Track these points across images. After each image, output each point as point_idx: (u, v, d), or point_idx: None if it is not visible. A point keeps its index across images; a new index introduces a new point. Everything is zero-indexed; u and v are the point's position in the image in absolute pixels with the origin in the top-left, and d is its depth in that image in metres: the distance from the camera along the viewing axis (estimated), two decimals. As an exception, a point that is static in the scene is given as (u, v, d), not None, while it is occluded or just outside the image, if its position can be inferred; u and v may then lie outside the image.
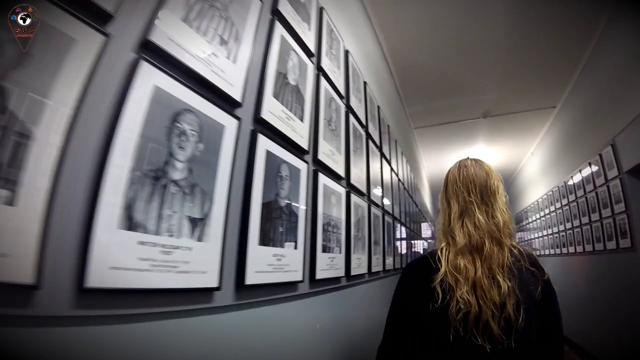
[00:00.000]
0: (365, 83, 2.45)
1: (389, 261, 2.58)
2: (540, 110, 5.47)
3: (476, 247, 1.05)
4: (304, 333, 1.25)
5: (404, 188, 3.89)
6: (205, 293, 0.80)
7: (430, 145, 6.84)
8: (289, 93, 1.27)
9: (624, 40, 3.35)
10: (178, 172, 0.75)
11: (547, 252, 6.91)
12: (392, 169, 3.08)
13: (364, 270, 1.88)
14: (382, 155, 2.69)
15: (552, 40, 3.86)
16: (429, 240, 6.88)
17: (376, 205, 2.29)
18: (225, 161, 0.90)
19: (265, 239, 0.99)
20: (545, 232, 6.97)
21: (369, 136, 2.28)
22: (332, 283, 1.49)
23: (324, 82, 1.61)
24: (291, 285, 1.15)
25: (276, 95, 1.18)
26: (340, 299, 1.61)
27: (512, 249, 1.07)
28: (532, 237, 8.23)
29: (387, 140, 3.05)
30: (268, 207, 1.03)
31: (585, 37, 3.84)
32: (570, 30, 3.73)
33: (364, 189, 1.98)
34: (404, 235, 3.63)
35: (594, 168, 4.21)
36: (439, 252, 1.08)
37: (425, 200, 7.49)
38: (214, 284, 0.80)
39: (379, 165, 2.53)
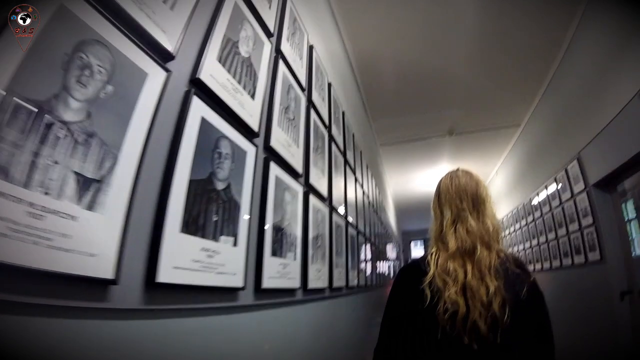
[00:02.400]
0: (330, 84, 2.29)
1: (353, 277, 2.36)
2: (504, 129, 5.53)
3: (467, 250, 1.10)
4: (247, 355, 1.00)
5: (369, 203, 3.73)
6: (91, 286, 0.57)
7: (395, 164, 6.78)
8: (238, 63, 1.10)
9: (587, 57, 3.41)
10: (71, 112, 0.55)
11: (512, 270, 6.90)
12: (356, 179, 2.91)
13: (324, 284, 1.66)
14: (346, 162, 2.51)
15: (516, 58, 3.91)
16: (394, 261, 6.78)
17: (339, 213, 2.09)
18: (142, 116, 0.70)
19: (192, 226, 0.76)
20: (510, 250, 6.98)
21: (332, 138, 2.11)
22: (284, 295, 1.26)
23: (282, 67, 1.44)
24: (229, 292, 0.91)
25: (221, 60, 1.00)
26: (295, 316, 1.38)
27: (500, 252, 1.11)
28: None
29: (352, 149, 2.89)
30: (198, 186, 0.80)
31: (550, 55, 3.91)
32: (535, 48, 3.79)
33: (325, 192, 1.79)
34: (369, 253, 3.46)
35: (560, 183, 4.22)
36: (429, 257, 1.13)
37: (391, 220, 7.38)
38: (107, 275, 0.57)
39: (343, 172, 2.35)
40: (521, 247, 6.19)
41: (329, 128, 2.07)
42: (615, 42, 2.91)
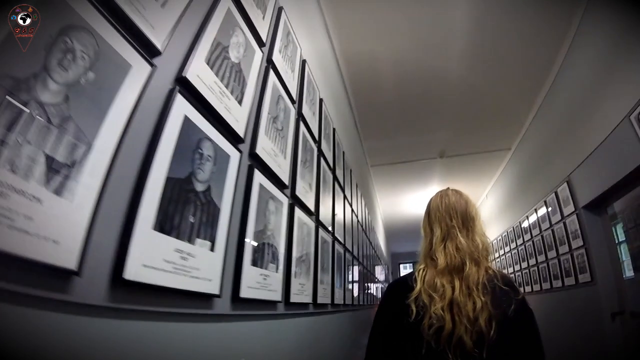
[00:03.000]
0: (321, 100, 2.29)
1: (339, 295, 2.31)
2: (495, 152, 5.58)
3: (456, 267, 1.11)
4: None
5: (358, 222, 3.70)
6: (52, 276, 0.52)
7: (386, 185, 6.79)
8: (227, 68, 1.09)
9: (577, 82, 3.48)
10: (49, 93, 0.53)
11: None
12: (345, 197, 2.88)
13: (307, 299, 1.61)
14: (336, 179, 2.49)
15: (507, 82, 3.98)
16: (383, 283, 6.71)
17: (326, 229, 2.06)
18: (122, 107, 0.67)
19: (166, 225, 0.72)
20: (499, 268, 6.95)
21: (321, 153, 2.09)
22: (264, 307, 1.20)
23: (273, 77, 1.43)
24: (203, 298, 0.86)
25: (209, 63, 0.99)
26: (276, 330, 1.32)
27: (489, 269, 1.12)
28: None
29: (342, 167, 2.87)
30: (176, 185, 0.77)
31: (540, 79, 3.99)
32: (525, 73, 3.87)
33: (312, 207, 1.76)
34: (357, 272, 3.41)
35: (550, 206, 4.24)
36: (416, 273, 1.15)
37: (380, 241, 7.33)
38: (70, 265, 0.53)
39: (331, 189, 2.32)
40: (511, 269, 6.20)
41: (318, 143, 2.06)
42: (604, 67, 2.98)
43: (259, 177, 1.16)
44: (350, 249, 2.99)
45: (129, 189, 0.68)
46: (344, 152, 3.03)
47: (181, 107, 0.83)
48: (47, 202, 0.52)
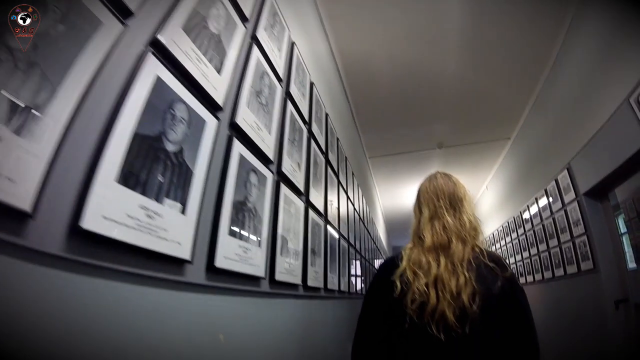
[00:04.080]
0: (312, 84, 2.27)
1: (333, 280, 2.27)
2: (494, 142, 5.54)
3: (442, 245, 1.15)
4: (196, 342, 0.90)
5: (355, 210, 3.67)
6: (6, 216, 0.50)
7: (385, 178, 6.76)
8: (205, 37, 1.07)
9: (574, 69, 3.44)
10: (17, 40, 0.54)
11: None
12: (339, 183, 2.86)
13: (296, 280, 1.57)
14: (328, 163, 2.46)
15: (504, 71, 3.95)
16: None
17: (317, 212, 2.03)
18: (90, 60, 0.66)
19: (130, 179, 0.70)
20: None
21: (312, 135, 2.07)
22: (246, 282, 1.16)
23: (257, 52, 1.41)
24: (173, 263, 0.82)
25: (187, 30, 0.97)
26: (261, 308, 1.27)
27: (475, 247, 1.16)
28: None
29: (336, 152, 2.84)
30: (144, 142, 0.75)
31: (538, 67, 3.95)
32: (522, 61, 3.83)
33: (301, 187, 1.73)
34: (354, 259, 3.38)
35: (551, 194, 4.21)
36: (403, 252, 1.21)
37: (381, 234, 7.30)
38: (24, 206, 0.51)
39: (324, 172, 2.30)
40: (513, 259, 6.15)
41: (308, 125, 2.04)
42: (602, 51, 2.95)
43: (239, 147, 1.13)
44: (347, 236, 2.97)
45: (93, 139, 0.66)
46: (338, 139, 3.00)
47: (153, 68, 0.81)
48: (7, 141, 0.50)
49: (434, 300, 1.05)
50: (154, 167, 0.77)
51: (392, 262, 1.21)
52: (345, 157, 3.37)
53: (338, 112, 3.37)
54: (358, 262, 3.65)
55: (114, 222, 0.66)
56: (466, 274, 1.08)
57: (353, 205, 3.56)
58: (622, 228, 3.31)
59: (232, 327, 1.07)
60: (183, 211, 0.84)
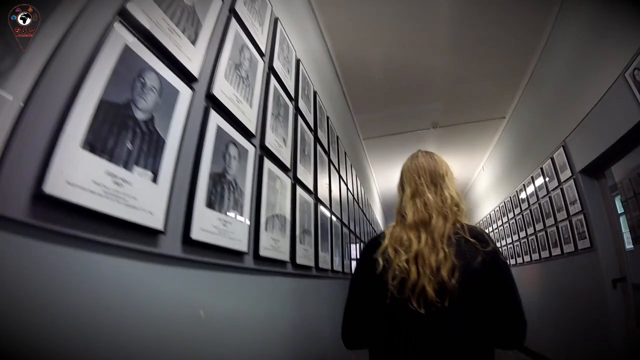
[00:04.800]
0: (299, 60, 2.24)
1: (325, 258, 2.27)
2: (489, 121, 5.52)
3: (423, 221, 1.18)
4: (172, 317, 0.87)
5: (348, 191, 3.66)
6: None
7: (380, 159, 6.74)
8: (178, 7, 1.04)
9: (568, 45, 3.41)
10: None
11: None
12: (331, 162, 2.84)
13: (283, 256, 1.55)
14: (318, 140, 2.44)
15: (497, 50, 3.92)
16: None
17: (307, 189, 2.02)
18: (55, 27, 0.66)
19: (97, 146, 0.68)
20: (499, 244, 6.97)
21: (299, 111, 2.04)
22: (227, 257, 1.13)
23: (235, 25, 1.38)
24: (143, 232, 0.80)
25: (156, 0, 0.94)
26: (243, 284, 1.24)
27: (456, 223, 1.18)
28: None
29: (326, 131, 2.82)
30: (111, 108, 0.73)
31: (532, 45, 3.91)
32: (515, 39, 3.79)
33: (287, 163, 1.71)
34: (349, 241, 3.38)
35: (547, 172, 4.20)
36: (386, 230, 1.25)
37: (378, 217, 7.32)
38: None
39: (313, 150, 2.28)
40: (509, 240, 6.16)
41: (295, 101, 2.01)
42: (596, 29, 2.92)
43: (216, 119, 1.12)
44: (339, 216, 2.96)
45: (58, 105, 0.64)
46: (328, 118, 2.97)
47: (121, 37, 0.79)
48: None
49: (415, 276, 1.08)
50: (122, 134, 0.76)
51: (375, 241, 1.25)
52: (337, 137, 3.34)
53: (328, 91, 3.34)
54: (354, 244, 3.65)
55: (79, 187, 0.64)
56: (446, 249, 1.10)
57: (346, 185, 3.54)
58: (620, 209, 3.31)
59: (214, 302, 1.04)
60: (154, 180, 0.83)
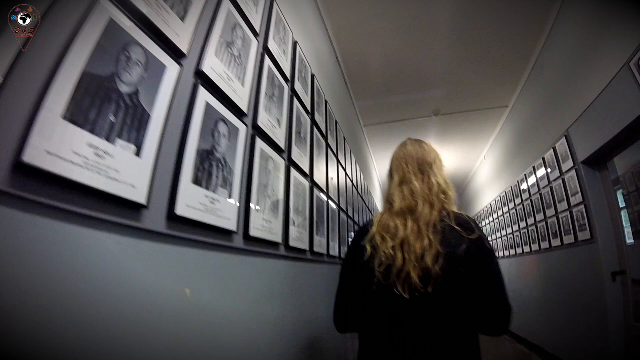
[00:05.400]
0: (296, 42, 2.22)
1: (321, 242, 2.26)
2: (492, 110, 5.48)
3: (409, 208, 1.21)
4: (154, 294, 0.84)
5: (347, 175, 3.65)
6: None
7: (382, 147, 6.71)
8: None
9: (572, 35, 3.37)
10: None
11: (501, 254, 6.88)
12: (329, 146, 2.83)
13: (275, 238, 1.54)
14: (315, 123, 2.42)
15: (500, 39, 3.88)
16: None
17: (302, 172, 2.01)
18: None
19: (79, 117, 0.68)
20: (498, 235, 6.96)
21: (295, 93, 2.03)
22: (215, 236, 1.11)
23: (227, 4, 1.36)
24: (127, 207, 0.79)
25: None
26: (232, 264, 1.22)
27: (443, 211, 1.20)
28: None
29: (324, 115, 2.81)
30: (94, 80, 0.73)
31: (535, 34, 3.87)
32: (520, 28, 3.75)
33: (282, 144, 1.70)
34: (348, 227, 3.38)
35: (548, 162, 4.17)
36: (374, 217, 1.29)
37: (378, 206, 7.32)
38: None
39: (309, 134, 2.26)
40: (509, 230, 6.15)
41: (291, 82, 2.00)
42: (601, 17, 2.88)
43: (205, 95, 1.11)
44: (337, 201, 2.96)
45: (40, 76, 0.64)
46: (327, 102, 2.95)
47: (106, 11, 0.78)
48: None
49: (400, 262, 1.12)
50: (104, 106, 0.75)
51: (364, 229, 1.30)
52: (336, 122, 3.32)
53: (328, 76, 3.31)
54: (352, 231, 3.64)
55: (59, 158, 0.64)
56: (431, 236, 1.13)
57: (345, 170, 3.53)
58: (622, 203, 3.29)
59: (202, 282, 1.04)
60: (138, 154, 0.82)
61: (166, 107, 0.94)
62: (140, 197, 0.81)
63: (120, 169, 0.77)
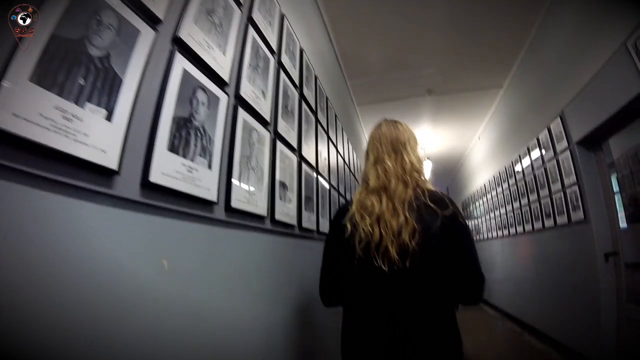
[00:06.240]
0: (283, 15, 2.17)
1: (309, 218, 2.26)
2: (486, 90, 5.45)
3: (383, 186, 1.28)
4: (129, 265, 0.82)
5: (338, 152, 3.64)
6: None
7: (374, 124, 6.66)
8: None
9: (569, 14, 3.33)
10: None
11: (493, 234, 6.93)
12: (318, 121, 2.80)
13: (259, 211, 1.52)
14: (303, 98, 2.40)
15: (496, 18, 3.83)
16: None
17: (290, 146, 1.99)
18: None
19: (46, 79, 0.67)
20: (492, 215, 7.00)
21: (281, 66, 2.00)
22: (194, 206, 1.09)
23: (209, -30, 1.33)
24: (95, 171, 0.77)
25: None
26: (214, 236, 1.21)
27: (417, 188, 1.27)
28: (479, 220, 8.27)
29: (314, 90, 2.78)
30: (63, 43, 0.72)
31: (531, 13, 3.80)
32: (515, 7, 3.67)
33: (266, 116, 1.67)
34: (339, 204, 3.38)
35: (543, 142, 4.16)
36: (353, 196, 1.37)
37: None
38: None
39: (297, 109, 2.24)
40: (503, 210, 6.18)
41: (278, 55, 1.97)
42: None
43: (182, 62, 1.09)
44: (327, 177, 2.96)
45: (5, 39, 0.62)
46: (316, 77, 2.92)
47: None
48: None
49: (377, 237, 1.19)
50: (73, 69, 0.75)
51: (344, 208, 1.38)
52: (327, 98, 3.29)
53: (318, 52, 3.26)
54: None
55: (25, 120, 0.64)
56: (407, 214, 1.19)
57: (336, 147, 3.51)
58: (616, 187, 3.31)
59: (180, 253, 1.02)
60: (109, 118, 0.82)
61: (140, 72, 0.93)
62: (111, 162, 0.80)
63: (90, 132, 0.76)
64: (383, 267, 1.16)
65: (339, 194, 3.46)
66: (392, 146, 1.35)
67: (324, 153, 2.92)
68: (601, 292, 3.19)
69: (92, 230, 0.74)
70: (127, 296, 0.80)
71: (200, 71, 1.19)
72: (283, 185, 1.84)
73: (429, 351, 1.14)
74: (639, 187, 3.00)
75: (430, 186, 1.31)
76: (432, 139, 7.47)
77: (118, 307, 0.77)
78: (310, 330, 2.06)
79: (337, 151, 3.59)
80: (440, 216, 1.19)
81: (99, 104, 0.80)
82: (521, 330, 5.22)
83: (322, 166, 2.81)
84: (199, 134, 1.15)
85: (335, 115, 3.71)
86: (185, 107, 1.09)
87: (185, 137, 1.08)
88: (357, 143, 5.66)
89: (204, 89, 1.20)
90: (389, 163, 1.31)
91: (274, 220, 1.69)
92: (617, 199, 3.27)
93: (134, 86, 0.90)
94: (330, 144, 3.26)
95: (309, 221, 2.26)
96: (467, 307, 1.27)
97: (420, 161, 1.36)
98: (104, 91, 0.82)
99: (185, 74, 1.10)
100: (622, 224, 3.20)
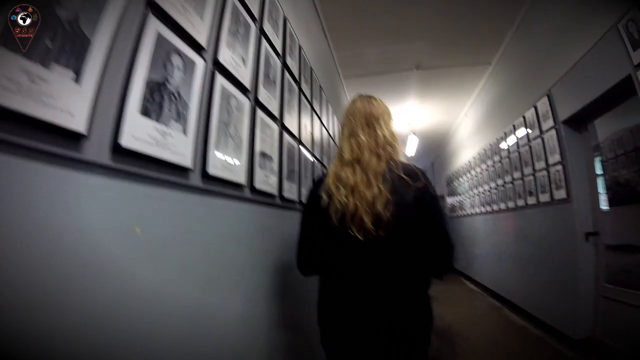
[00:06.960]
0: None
1: (291, 188, 2.27)
2: (474, 67, 5.44)
3: (357, 158, 1.35)
4: (101, 231, 0.81)
5: (322, 124, 3.63)
6: None
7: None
8: None
9: None
10: None
11: (477, 210, 7.03)
12: (301, 91, 2.78)
13: (239, 179, 1.51)
14: (286, 66, 2.37)
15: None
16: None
17: (269, 114, 1.97)
18: None
19: (10, 43, 0.65)
20: (475, 191, 7.09)
21: (263, 33, 1.97)
22: (168, 172, 1.07)
23: None
24: (62, 135, 0.74)
25: None
26: (190, 203, 1.19)
27: (390, 161, 1.34)
28: (462, 196, 8.38)
29: (298, 60, 2.74)
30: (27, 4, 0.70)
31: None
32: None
33: (246, 84, 1.65)
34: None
35: (528, 121, 4.20)
36: (329, 168, 1.45)
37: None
38: None
39: (280, 79, 2.22)
40: (486, 187, 6.26)
41: (259, 22, 1.94)
42: None
43: (156, 24, 1.06)
44: (311, 149, 2.96)
45: None
46: (300, 47, 2.88)
47: None
48: None
49: (352, 207, 1.25)
50: (40, 30, 0.73)
51: (320, 179, 1.47)
52: (311, 68, 3.24)
53: (303, 21, 3.18)
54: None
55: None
56: (380, 185, 1.26)
57: (320, 119, 3.50)
58: (598, 170, 3.37)
59: (153, 220, 0.99)
60: (77, 80, 0.80)
61: (110, 33, 0.91)
62: (79, 125, 0.78)
63: (56, 95, 0.74)
64: (359, 236, 1.23)
65: (323, 165, 3.47)
66: (365, 120, 1.41)
67: (307, 124, 2.91)
68: (580, 271, 3.31)
69: (58, 196, 0.72)
70: (96, 264, 0.78)
71: (175, 34, 1.16)
72: (264, 154, 1.84)
73: (402, 317, 1.21)
74: (623, 171, 3.06)
75: (403, 159, 1.39)
76: (418, 114, 7.48)
77: (86, 276, 0.75)
78: (291, 299, 2.10)
79: (322, 123, 3.58)
80: (413, 188, 1.26)
81: (66, 66, 0.78)
82: (501, 305, 5.39)
83: (306, 137, 2.81)
84: (173, 99, 1.13)
85: (320, 87, 3.68)
86: (159, 71, 1.07)
87: (159, 101, 1.06)
88: (343, 116, 5.63)
89: (180, 53, 1.18)
90: (362, 137, 1.37)
91: (253, 189, 1.68)
92: (600, 180, 3.35)
93: (103, 48, 0.88)
94: (315, 115, 3.24)
95: (290, 191, 2.27)
96: (446, 281, 1.33)
97: (393, 135, 1.42)
98: (72, 53, 0.80)
99: (159, 37, 1.08)
100: (604, 206, 3.29)
